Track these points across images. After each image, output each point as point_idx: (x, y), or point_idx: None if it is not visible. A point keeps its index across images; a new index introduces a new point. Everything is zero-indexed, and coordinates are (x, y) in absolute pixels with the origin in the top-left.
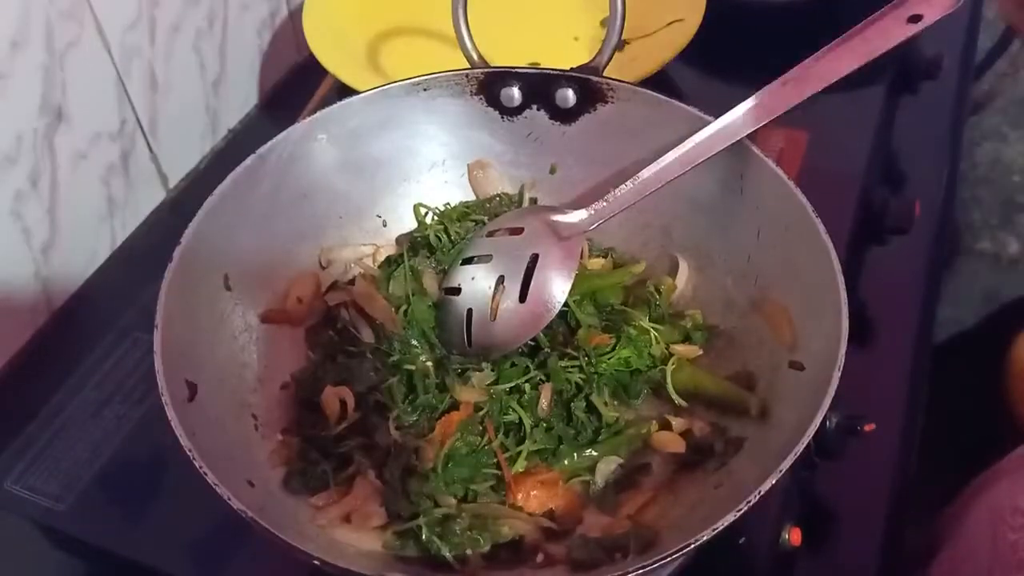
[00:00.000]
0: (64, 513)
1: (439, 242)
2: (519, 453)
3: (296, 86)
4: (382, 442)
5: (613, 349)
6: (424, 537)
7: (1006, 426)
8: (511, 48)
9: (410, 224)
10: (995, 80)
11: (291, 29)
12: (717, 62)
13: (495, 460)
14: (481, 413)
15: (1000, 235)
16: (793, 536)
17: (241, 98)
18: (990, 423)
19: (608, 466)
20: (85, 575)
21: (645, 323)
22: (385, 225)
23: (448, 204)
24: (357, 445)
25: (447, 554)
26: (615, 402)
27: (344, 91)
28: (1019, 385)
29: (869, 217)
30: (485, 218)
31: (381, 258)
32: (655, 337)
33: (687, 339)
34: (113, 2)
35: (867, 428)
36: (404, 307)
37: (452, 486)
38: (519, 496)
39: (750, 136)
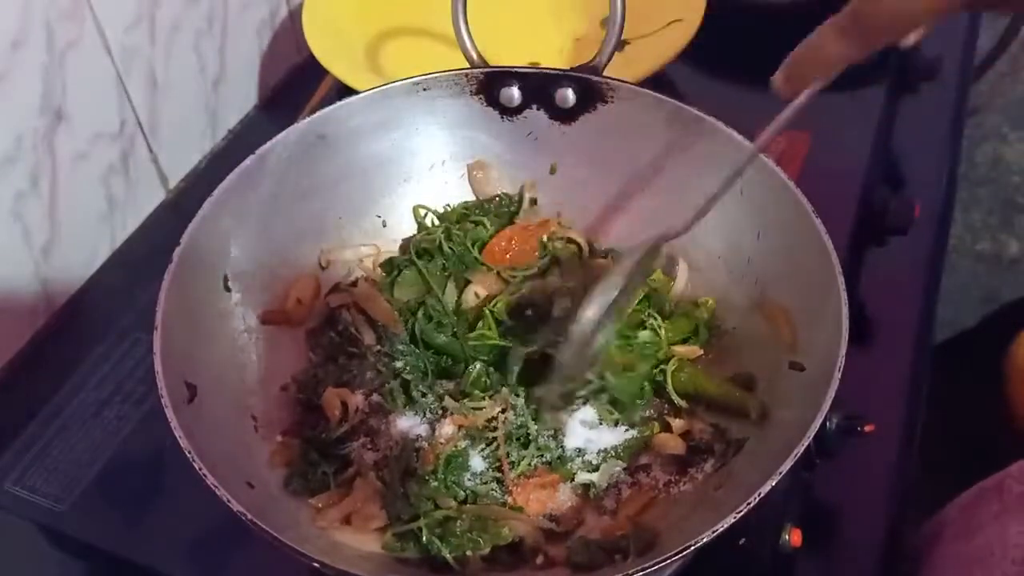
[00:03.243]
0: (64, 513)
1: (441, 248)
2: (522, 457)
3: (296, 86)
4: (383, 444)
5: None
6: (424, 539)
7: (1006, 426)
8: (511, 48)
9: (409, 224)
10: (995, 80)
11: (291, 29)
12: (717, 62)
13: (497, 463)
14: (493, 421)
15: (1000, 235)
16: (793, 537)
17: (241, 98)
18: (990, 423)
19: (609, 467)
20: (85, 575)
21: (656, 322)
22: (385, 226)
23: (448, 206)
24: (358, 447)
25: (447, 555)
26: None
27: (344, 91)
28: (1019, 385)
29: (869, 217)
30: (486, 219)
31: (382, 259)
32: (665, 339)
33: (695, 333)
34: (113, 2)
35: (867, 428)
36: (411, 320)
37: (452, 488)
38: (519, 498)
39: (750, 136)
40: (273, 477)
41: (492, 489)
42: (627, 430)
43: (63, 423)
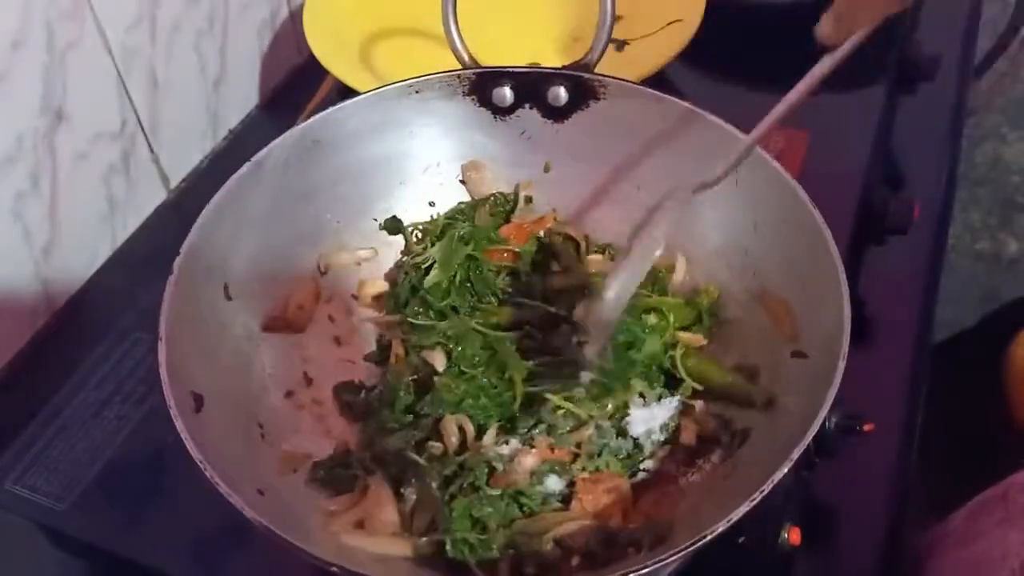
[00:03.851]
0: (64, 513)
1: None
2: (596, 467)
3: (297, 87)
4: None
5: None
6: (450, 551)
7: (1006, 426)
8: (511, 50)
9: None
10: (994, 80)
11: (292, 29)
12: (717, 62)
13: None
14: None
15: (1000, 235)
16: (792, 535)
17: (242, 98)
18: (990, 423)
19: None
20: (85, 575)
21: (662, 300)
22: (382, 228)
23: (435, 215)
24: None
25: (471, 562)
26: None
27: (345, 91)
28: (1019, 385)
29: (869, 217)
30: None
31: (381, 260)
32: (671, 322)
33: (699, 320)
34: (114, 2)
35: (867, 428)
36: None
37: (511, 508)
38: (588, 505)
39: (744, 130)
40: (282, 484)
41: (556, 501)
42: (669, 399)
43: (63, 423)
